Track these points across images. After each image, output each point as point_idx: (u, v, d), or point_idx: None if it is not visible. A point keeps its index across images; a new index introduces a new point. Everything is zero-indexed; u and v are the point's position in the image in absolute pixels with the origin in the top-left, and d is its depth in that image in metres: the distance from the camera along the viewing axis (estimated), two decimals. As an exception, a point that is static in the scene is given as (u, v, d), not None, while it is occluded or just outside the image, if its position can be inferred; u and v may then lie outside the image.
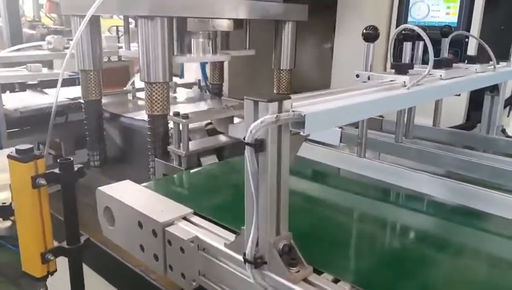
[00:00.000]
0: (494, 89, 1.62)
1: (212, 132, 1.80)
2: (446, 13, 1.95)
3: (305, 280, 0.76)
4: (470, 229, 1.11)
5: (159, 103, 1.57)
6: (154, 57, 1.51)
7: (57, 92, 1.42)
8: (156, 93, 1.56)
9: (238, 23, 1.87)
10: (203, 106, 2.23)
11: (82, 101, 1.90)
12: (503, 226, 1.09)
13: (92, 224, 1.23)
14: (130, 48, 1.84)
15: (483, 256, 1.02)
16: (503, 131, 1.83)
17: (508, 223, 1.08)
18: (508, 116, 2.09)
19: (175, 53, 1.72)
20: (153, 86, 1.55)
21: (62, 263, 1.17)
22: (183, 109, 1.65)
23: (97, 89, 1.85)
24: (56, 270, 1.14)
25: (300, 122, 0.72)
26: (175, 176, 1.45)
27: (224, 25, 1.78)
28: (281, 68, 2.03)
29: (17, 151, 1.01)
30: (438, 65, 1.24)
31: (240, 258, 0.79)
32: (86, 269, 1.23)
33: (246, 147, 0.71)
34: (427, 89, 1.07)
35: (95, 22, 1.75)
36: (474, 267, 0.96)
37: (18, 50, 2.57)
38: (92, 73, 1.81)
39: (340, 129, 1.53)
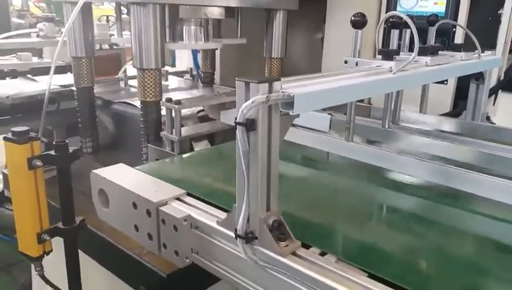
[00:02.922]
0: (480, 77, 1.67)
1: (204, 119, 1.82)
2: (434, 3, 1.98)
3: (294, 254, 0.79)
4: (452, 208, 1.14)
5: (151, 89, 1.59)
6: (147, 43, 1.53)
7: (50, 80, 1.43)
8: (149, 80, 1.58)
9: (229, 11, 1.89)
10: (195, 93, 2.25)
11: (74, 88, 1.90)
12: (485, 205, 1.13)
13: (86, 210, 1.24)
14: (122, 35, 1.86)
15: (463, 233, 1.06)
16: (488, 118, 1.88)
17: (489, 203, 1.12)
18: (493, 105, 2.14)
19: (167, 40, 1.74)
20: (145, 72, 1.57)
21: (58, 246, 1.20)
22: (175, 96, 1.67)
23: (89, 76, 1.85)
24: (52, 251, 1.16)
25: (289, 102, 0.74)
26: (168, 159, 1.47)
27: (215, 12, 1.81)
28: (273, 56, 2.05)
29: (13, 133, 1.02)
30: (424, 52, 1.27)
31: (232, 234, 0.81)
32: (80, 254, 1.23)
33: (238, 126, 0.73)
34: (412, 74, 1.10)
35: (86, 8, 1.75)
36: (456, 242, 1.00)
37: (7, 38, 2.57)
38: (84, 60, 1.82)
39: (329, 115, 1.56)
